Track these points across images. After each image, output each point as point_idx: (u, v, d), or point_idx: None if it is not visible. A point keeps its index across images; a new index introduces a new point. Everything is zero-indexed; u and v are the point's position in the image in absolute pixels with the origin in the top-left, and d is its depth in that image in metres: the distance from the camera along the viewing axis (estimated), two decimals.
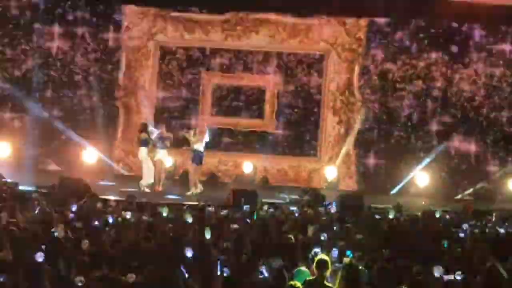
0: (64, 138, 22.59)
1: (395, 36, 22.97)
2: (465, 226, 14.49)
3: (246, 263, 10.47)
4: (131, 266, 9.89)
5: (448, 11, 22.13)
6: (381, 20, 22.93)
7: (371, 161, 23.14)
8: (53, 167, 22.36)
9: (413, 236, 12.98)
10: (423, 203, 19.78)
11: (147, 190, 19.46)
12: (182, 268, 9.57)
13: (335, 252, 11.00)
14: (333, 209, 16.37)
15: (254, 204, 16.31)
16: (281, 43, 23.14)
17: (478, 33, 22.87)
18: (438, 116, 22.91)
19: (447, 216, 16.10)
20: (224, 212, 15.01)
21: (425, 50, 22.86)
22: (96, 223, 12.81)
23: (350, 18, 22.93)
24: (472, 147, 22.90)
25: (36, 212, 13.73)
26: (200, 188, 19.79)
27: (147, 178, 19.75)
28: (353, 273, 8.52)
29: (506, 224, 15.35)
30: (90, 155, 22.08)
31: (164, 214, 14.34)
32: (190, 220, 13.54)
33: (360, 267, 9.39)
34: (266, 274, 9.77)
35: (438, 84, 22.89)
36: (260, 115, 23.25)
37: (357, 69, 22.95)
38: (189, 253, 10.47)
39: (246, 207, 15.46)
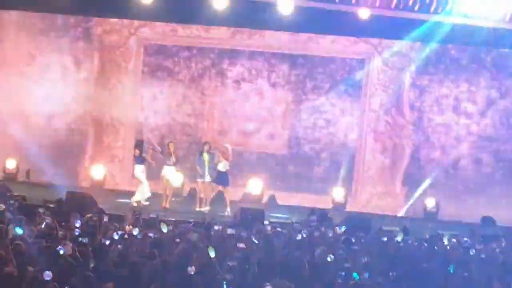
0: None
1: None
2: (472, 250, 14.39)
3: (252, 283, 10.42)
4: (136, 283, 9.84)
5: None
6: None
7: None
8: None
9: (420, 259, 12.91)
10: (430, 226, 19.68)
11: (135, 205, 19.51)
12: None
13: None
14: (341, 230, 16.28)
15: (261, 223, 16.26)
16: None
17: None
18: None
19: (454, 240, 16.01)
20: (230, 231, 14.93)
21: None
22: (102, 239, 12.77)
23: None
24: None
25: (42, 226, 13.69)
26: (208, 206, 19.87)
27: (138, 195, 19.85)
28: None
29: None
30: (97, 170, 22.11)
31: (164, 231, 14.26)
32: (195, 238, 13.48)
33: None
34: None
35: None
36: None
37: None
38: (193, 272, 10.41)
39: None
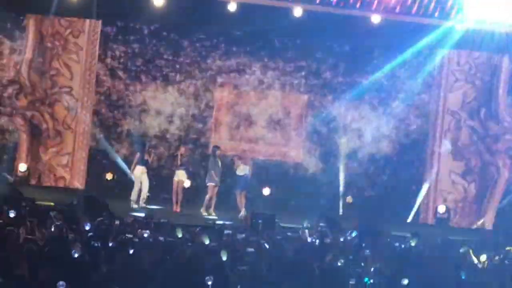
0: None
1: None
2: (483, 257, 14.33)
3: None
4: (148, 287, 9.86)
5: None
6: None
7: None
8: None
9: (431, 264, 12.88)
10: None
11: (134, 206, 19.58)
12: None
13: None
14: (353, 236, 16.24)
15: (272, 228, 16.26)
16: None
17: None
18: None
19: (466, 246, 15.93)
20: (241, 236, 14.93)
21: None
22: (113, 242, 12.78)
23: None
24: None
25: (53, 229, 13.71)
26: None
27: (133, 194, 19.94)
28: None
29: None
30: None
31: (179, 235, 14.28)
32: (207, 242, 13.49)
33: None
34: None
35: None
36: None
37: None
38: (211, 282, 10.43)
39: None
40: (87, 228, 13.35)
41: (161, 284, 10.02)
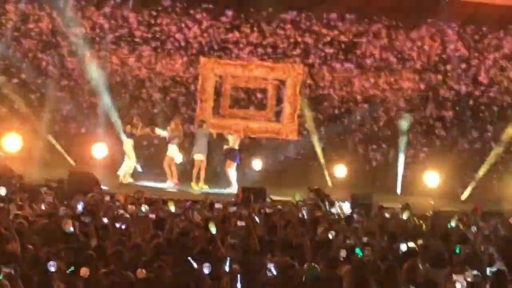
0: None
1: None
2: (474, 228, 14.35)
3: (254, 260, 10.45)
4: (140, 262, 9.85)
5: None
6: None
7: None
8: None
9: (422, 236, 12.90)
10: (432, 202, 19.67)
11: (124, 181, 19.65)
12: (191, 263, 9.56)
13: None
14: (345, 207, 16.29)
15: (263, 201, 16.29)
16: None
17: None
18: None
19: (456, 217, 15.95)
20: (232, 209, 14.92)
21: None
22: (104, 218, 12.76)
23: None
24: None
25: (43, 205, 13.70)
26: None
27: (123, 169, 19.91)
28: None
29: None
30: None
31: (172, 210, 14.25)
32: (198, 217, 13.51)
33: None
34: (274, 271, 9.74)
35: None
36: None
37: None
38: (196, 249, 10.44)
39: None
40: (79, 207, 13.26)
41: (152, 257, 10.00)
